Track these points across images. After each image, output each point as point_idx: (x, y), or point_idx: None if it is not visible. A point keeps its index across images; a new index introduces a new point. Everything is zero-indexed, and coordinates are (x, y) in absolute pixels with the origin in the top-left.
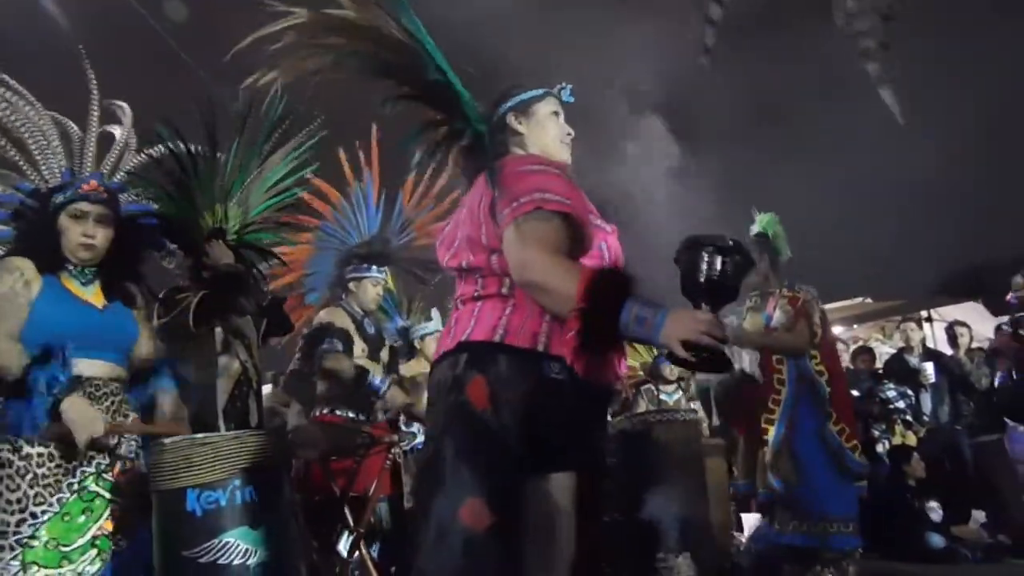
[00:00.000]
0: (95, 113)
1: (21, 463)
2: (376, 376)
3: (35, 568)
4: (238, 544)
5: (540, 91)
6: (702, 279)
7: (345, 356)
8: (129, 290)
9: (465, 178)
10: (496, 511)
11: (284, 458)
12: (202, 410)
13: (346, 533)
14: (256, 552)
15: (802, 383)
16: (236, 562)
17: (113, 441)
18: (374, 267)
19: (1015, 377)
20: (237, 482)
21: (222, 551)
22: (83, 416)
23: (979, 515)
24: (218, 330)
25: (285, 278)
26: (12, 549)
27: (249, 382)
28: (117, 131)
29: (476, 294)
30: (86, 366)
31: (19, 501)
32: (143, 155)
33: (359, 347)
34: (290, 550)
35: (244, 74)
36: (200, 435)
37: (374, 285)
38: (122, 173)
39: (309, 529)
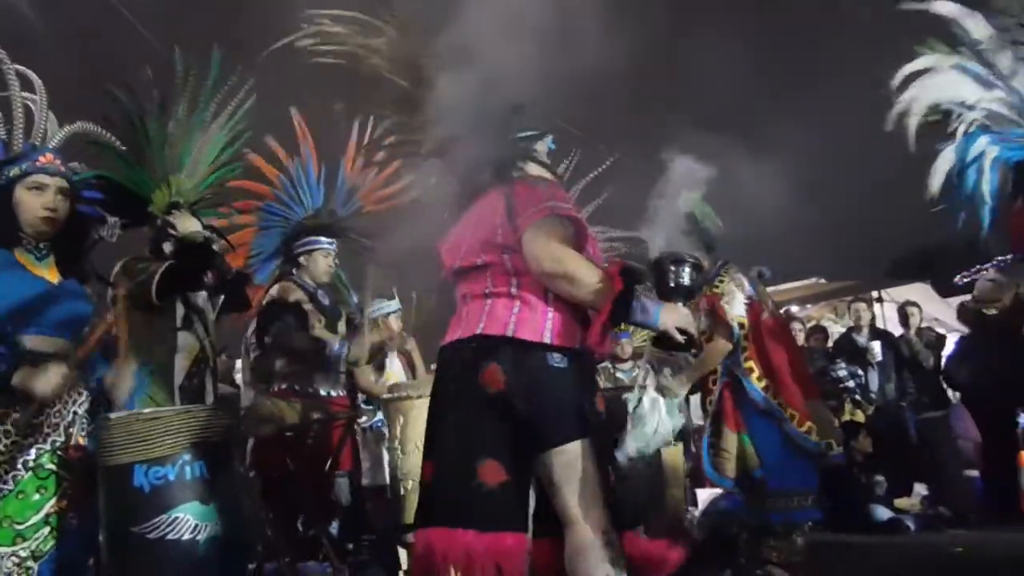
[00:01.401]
0: (14, 81)
1: None
2: (335, 343)
3: None
4: (188, 519)
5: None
6: (672, 284)
7: (299, 330)
8: (84, 266)
9: (467, 192)
10: (508, 471)
11: (236, 433)
12: (157, 385)
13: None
14: (206, 527)
15: (730, 379)
16: (185, 537)
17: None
18: (323, 238)
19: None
20: (187, 457)
21: (171, 526)
22: (33, 377)
23: (920, 488)
24: (179, 306)
25: (233, 261)
26: None
27: (207, 359)
28: (34, 100)
29: (486, 291)
30: (35, 341)
31: None
32: (73, 125)
33: (314, 319)
34: (241, 525)
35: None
36: (148, 410)
37: (324, 256)
38: (55, 141)
39: (267, 505)
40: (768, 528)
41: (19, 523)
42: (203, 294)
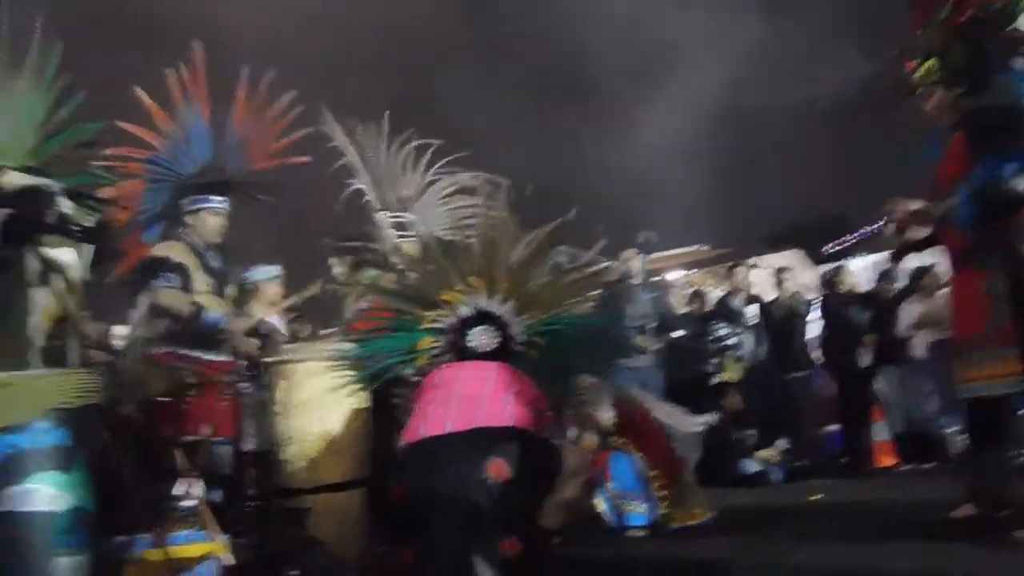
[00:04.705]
0: None
1: None
2: (215, 311)
3: None
4: (44, 490)
5: None
6: None
7: (179, 292)
8: None
9: None
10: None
11: (101, 398)
12: (11, 347)
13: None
14: (65, 498)
15: None
16: (42, 509)
17: None
18: (212, 196)
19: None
20: (44, 425)
21: (24, 498)
22: None
23: (781, 442)
24: (32, 261)
25: (119, 216)
26: None
27: (70, 320)
28: None
29: None
30: None
31: None
32: None
33: (202, 282)
34: (103, 495)
35: None
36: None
37: (214, 215)
38: None
39: (145, 473)
40: None
41: None
42: (70, 252)
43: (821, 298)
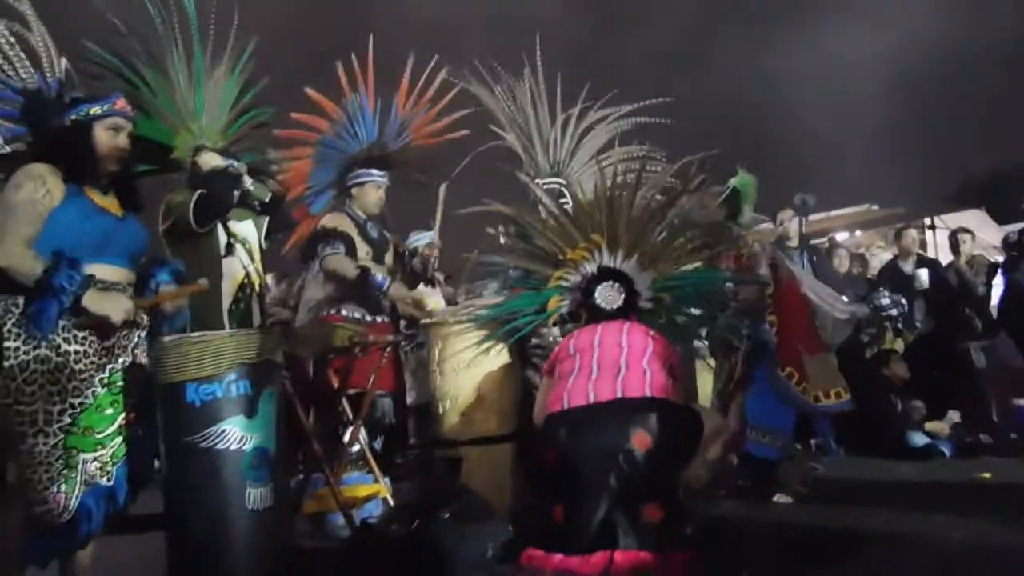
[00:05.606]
0: (32, 18)
1: (59, 359)
2: (379, 274)
3: (75, 451)
4: (234, 431)
5: None
6: None
7: (346, 257)
8: (139, 198)
9: None
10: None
11: (277, 354)
12: (207, 310)
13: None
14: (251, 438)
15: (754, 343)
16: (233, 447)
17: (142, 318)
18: (375, 171)
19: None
20: (232, 376)
21: (219, 437)
22: (107, 301)
23: (953, 414)
24: (221, 234)
25: (290, 192)
26: (55, 435)
27: (252, 284)
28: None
29: None
30: (101, 270)
31: (59, 393)
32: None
33: (363, 250)
34: (280, 437)
35: None
36: (196, 334)
37: (376, 188)
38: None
39: (320, 421)
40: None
41: (99, 432)
42: (249, 224)
43: (1004, 261)
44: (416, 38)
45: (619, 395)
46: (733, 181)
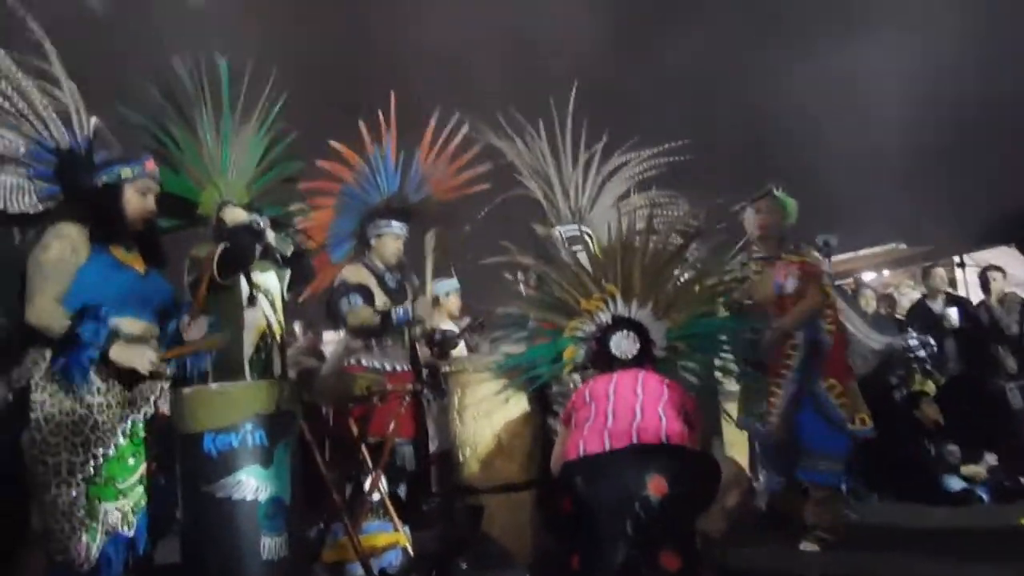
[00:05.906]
0: (62, 77)
1: (83, 411)
2: (398, 309)
3: (97, 501)
4: (250, 481)
5: None
6: None
7: (366, 307)
8: (163, 254)
9: None
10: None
11: (295, 405)
12: (229, 360)
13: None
14: (266, 488)
15: (811, 347)
16: (248, 497)
17: (168, 369)
18: (394, 222)
19: None
20: (249, 426)
21: (235, 487)
22: (134, 352)
23: (990, 457)
24: (244, 286)
25: (311, 241)
26: (78, 485)
27: (273, 335)
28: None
29: None
30: (125, 323)
31: (83, 444)
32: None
33: (380, 300)
34: (296, 488)
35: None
36: (215, 384)
37: (394, 239)
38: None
39: (339, 470)
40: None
41: (120, 483)
42: (271, 275)
43: None
44: (439, 79)
45: (635, 441)
46: (779, 194)
